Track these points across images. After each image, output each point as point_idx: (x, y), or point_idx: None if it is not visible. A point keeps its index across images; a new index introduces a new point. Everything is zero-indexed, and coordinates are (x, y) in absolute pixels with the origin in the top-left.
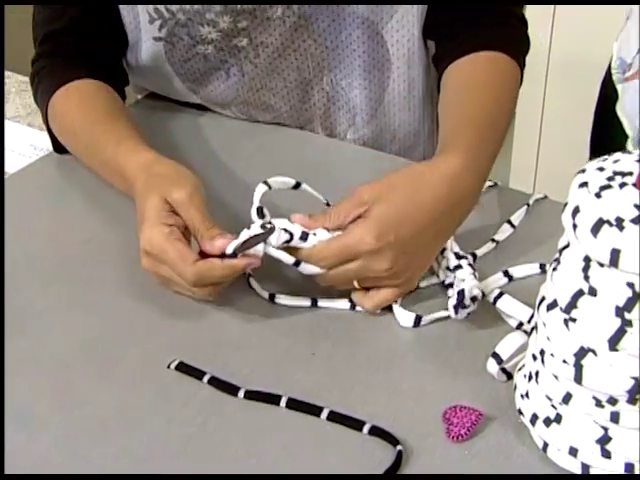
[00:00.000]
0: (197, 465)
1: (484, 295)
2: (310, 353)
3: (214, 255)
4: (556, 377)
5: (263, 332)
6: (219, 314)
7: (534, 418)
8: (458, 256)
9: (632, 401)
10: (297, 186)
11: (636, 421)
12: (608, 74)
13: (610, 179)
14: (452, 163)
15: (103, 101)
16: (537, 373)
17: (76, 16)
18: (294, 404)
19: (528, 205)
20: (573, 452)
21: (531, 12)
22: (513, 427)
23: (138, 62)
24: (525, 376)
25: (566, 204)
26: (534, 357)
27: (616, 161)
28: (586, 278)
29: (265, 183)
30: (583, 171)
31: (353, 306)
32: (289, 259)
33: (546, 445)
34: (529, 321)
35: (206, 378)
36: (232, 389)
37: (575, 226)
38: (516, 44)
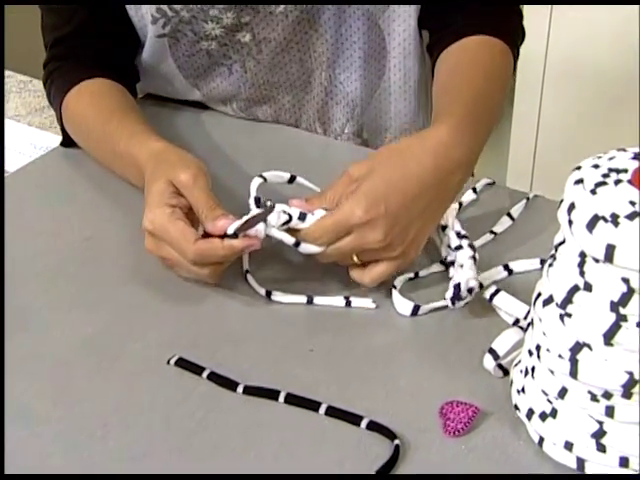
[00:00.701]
0: (196, 460)
1: (481, 286)
2: (308, 349)
3: (216, 236)
4: (552, 372)
5: (262, 328)
6: (218, 311)
7: (530, 413)
8: (459, 235)
9: (627, 395)
10: (292, 180)
11: (631, 415)
12: None
13: (605, 176)
14: (439, 134)
15: (115, 98)
16: (533, 368)
17: (85, 19)
18: (292, 399)
19: (528, 199)
20: (568, 446)
21: (528, 14)
22: (509, 422)
23: (140, 62)
24: (521, 371)
25: (562, 201)
26: (530, 352)
27: (611, 158)
28: (582, 274)
29: (260, 176)
30: (579, 168)
31: (348, 303)
32: (290, 239)
33: (542, 439)
34: (525, 317)
35: (205, 374)
36: (231, 384)
37: (571, 222)
38: (510, 32)
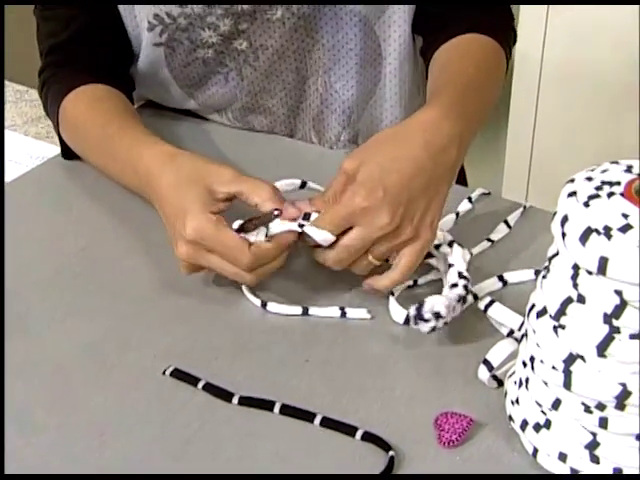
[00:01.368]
0: (192, 470)
1: (476, 297)
2: (304, 360)
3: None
4: (546, 383)
5: (257, 339)
6: (214, 322)
7: (524, 424)
8: (460, 275)
9: (620, 407)
10: (303, 185)
11: (624, 427)
12: None
13: (598, 189)
14: (428, 114)
15: (114, 102)
16: (527, 379)
17: (82, 26)
18: (288, 410)
19: (524, 208)
20: (562, 457)
21: (524, 17)
22: (504, 433)
23: (136, 69)
24: (515, 383)
25: (555, 213)
26: (524, 364)
27: (604, 171)
28: (575, 286)
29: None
30: (572, 181)
31: (344, 313)
32: (293, 225)
33: (536, 450)
34: (519, 329)
35: (201, 384)
36: (226, 395)
37: (564, 235)
38: (502, 31)
